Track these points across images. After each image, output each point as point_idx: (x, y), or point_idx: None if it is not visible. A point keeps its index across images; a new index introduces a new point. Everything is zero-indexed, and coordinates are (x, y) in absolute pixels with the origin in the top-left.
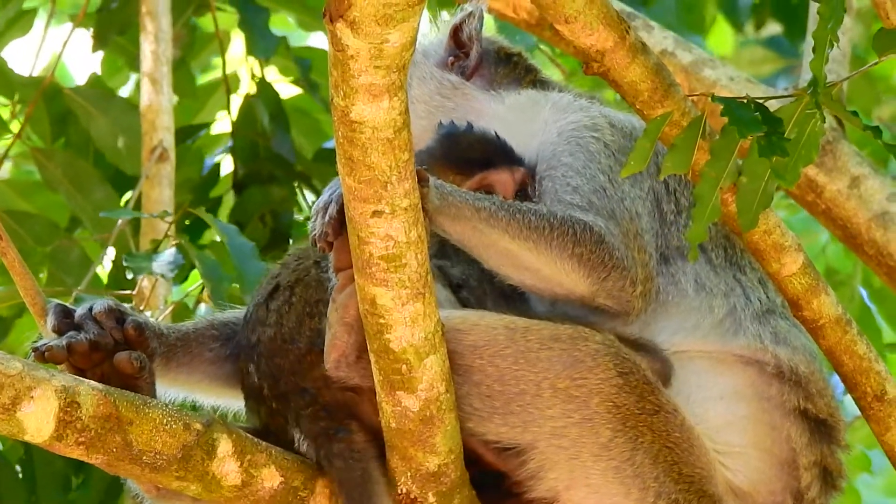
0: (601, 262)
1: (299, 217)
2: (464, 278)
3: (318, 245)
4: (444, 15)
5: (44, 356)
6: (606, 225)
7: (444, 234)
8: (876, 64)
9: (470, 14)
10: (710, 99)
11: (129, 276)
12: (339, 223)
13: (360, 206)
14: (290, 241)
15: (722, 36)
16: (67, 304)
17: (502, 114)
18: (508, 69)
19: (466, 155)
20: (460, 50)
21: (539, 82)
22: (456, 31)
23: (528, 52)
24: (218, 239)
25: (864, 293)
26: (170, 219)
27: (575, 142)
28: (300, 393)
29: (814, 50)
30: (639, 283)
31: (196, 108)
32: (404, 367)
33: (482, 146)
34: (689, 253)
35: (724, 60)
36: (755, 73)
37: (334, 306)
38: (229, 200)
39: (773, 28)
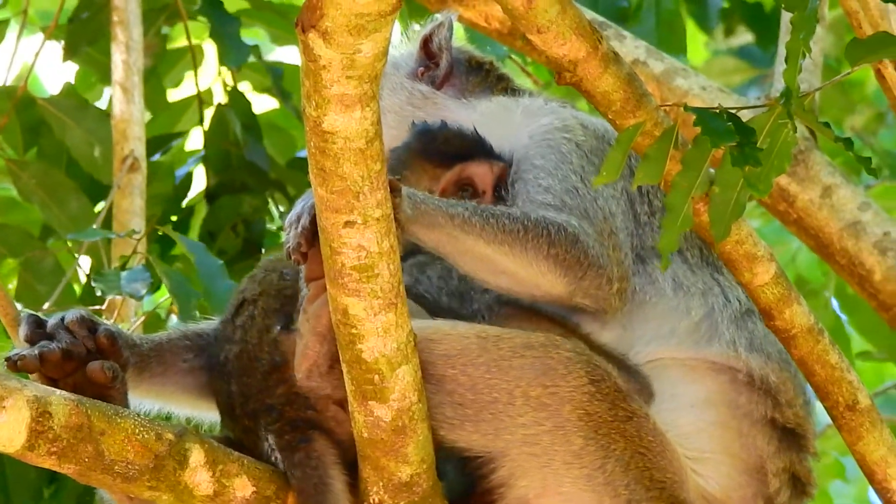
0: (577, 261)
1: (271, 226)
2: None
3: (293, 257)
4: (416, 26)
5: (16, 365)
6: (580, 224)
7: (420, 243)
8: (849, 74)
9: (440, 24)
10: (682, 109)
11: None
12: (312, 234)
13: (332, 217)
14: (262, 251)
15: (694, 46)
16: (40, 315)
17: (474, 121)
18: (480, 78)
19: (444, 149)
20: (431, 60)
21: (510, 90)
22: (426, 42)
23: (500, 62)
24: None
25: (835, 303)
26: (138, 236)
27: (546, 144)
28: (267, 410)
29: (786, 60)
30: (615, 280)
31: (169, 122)
32: (376, 377)
33: (459, 140)
34: (661, 261)
35: (696, 70)
36: (726, 83)
37: (306, 316)
38: (202, 210)
39: (744, 38)
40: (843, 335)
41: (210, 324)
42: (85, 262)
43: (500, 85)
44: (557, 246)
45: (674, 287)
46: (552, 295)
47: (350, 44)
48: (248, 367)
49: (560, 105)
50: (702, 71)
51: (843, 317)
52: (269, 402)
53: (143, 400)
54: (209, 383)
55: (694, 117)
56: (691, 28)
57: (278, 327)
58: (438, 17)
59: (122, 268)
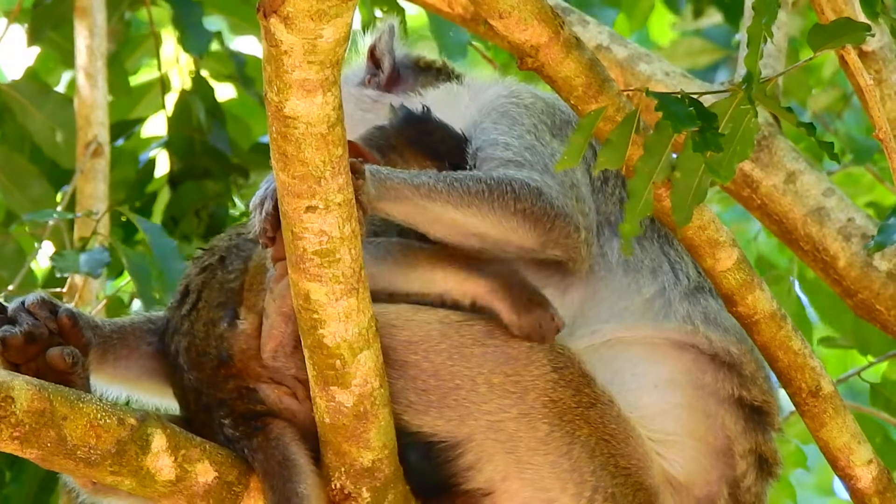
0: (544, 212)
1: (234, 212)
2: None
3: (260, 241)
4: (366, 39)
5: None
6: (542, 178)
7: (389, 217)
8: (811, 59)
9: (382, 32)
10: (644, 94)
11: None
12: (276, 218)
13: (293, 202)
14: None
15: (661, 27)
16: (0, 300)
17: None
18: (430, 76)
19: (438, 147)
20: (378, 68)
21: (458, 77)
22: (372, 51)
23: (461, 49)
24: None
25: (796, 285)
26: (97, 217)
27: (496, 111)
28: (219, 404)
29: (748, 45)
30: (582, 228)
31: (131, 106)
32: (338, 362)
33: (451, 140)
34: (610, 232)
35: (662, 51)
36: (693, 65)
37: (272, 296)
38: (165, 195)
39: (711, 19)
40: (805, 321)
41: None
42: (48, 248)
43: (448, 76)
44: (523, 200)
45: (622, 264)
46: (524, 249)
47: (311, 29)
48: (196, 361)
49: (506, 78)
50: (668, 52)
51: (805, 299)
52: (220, 396)
53: (110, 386)
54: (166, 376)
55: (656, 102)
56: (659, 9)
57: (225, 323)
58: (381, 25)
59: (82, 249)
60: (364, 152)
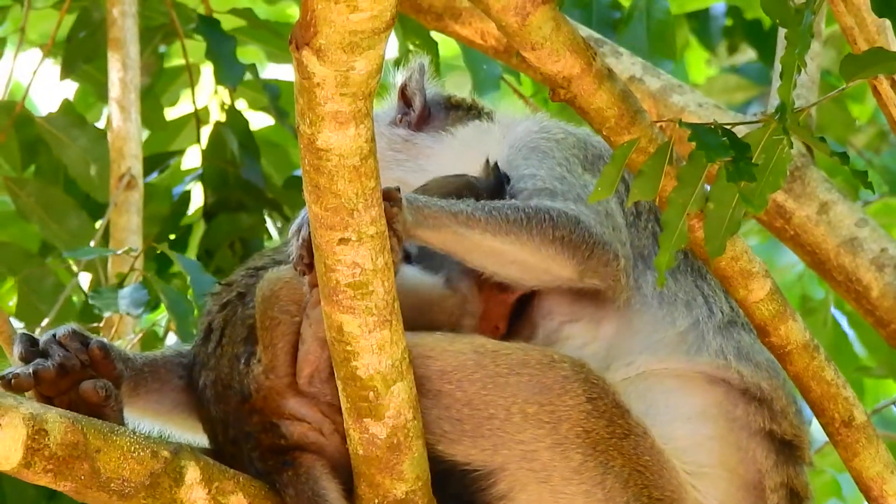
0: (582, 240)
1: (269, 244)
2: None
3: (297, 269)
4: (397, 77)
5: (10, 384)
6: (577, 207)
7: (426, 245)
8: (843, 90)
9: (412, 71)
10: (677, 125)
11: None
12: (312, 244)
13: (326, 234)
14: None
15: (696, 64)
16: (32, 335)
17: (456, 147)
18: (461, 113)
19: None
20: (409, 107)
21: (487, 114)
22: (403, 90)
23: (494, 83)
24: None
25: (842, 319)
26: (135, 254)
27: (527, 147)
28: (245, 437)
29: (781, 75)
30: (621, 256)
31: (167, 140)
32: (371, 394)
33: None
34: (644, 266)
35: (698, 89)
36: (728, 101)
37: (308, 322)
38: (199, 228)
39: (747, 55)
40: (850, 350)
41: None
42: (84, 279)
43: (478, 114)
44: (561, 228)
45: (657, 296)
46: (562, 278)
47: (344, 61)
48: (222, 395)
49: (537, 114)
50: (704, 89)
51: (850, 333)
52: (246, 429)
53: (142, 419)
54: (195, 409)
55: (689, 133)
56: (694, 46)
57: (244, 359)
58: (412, 64)
59: (120, 285)
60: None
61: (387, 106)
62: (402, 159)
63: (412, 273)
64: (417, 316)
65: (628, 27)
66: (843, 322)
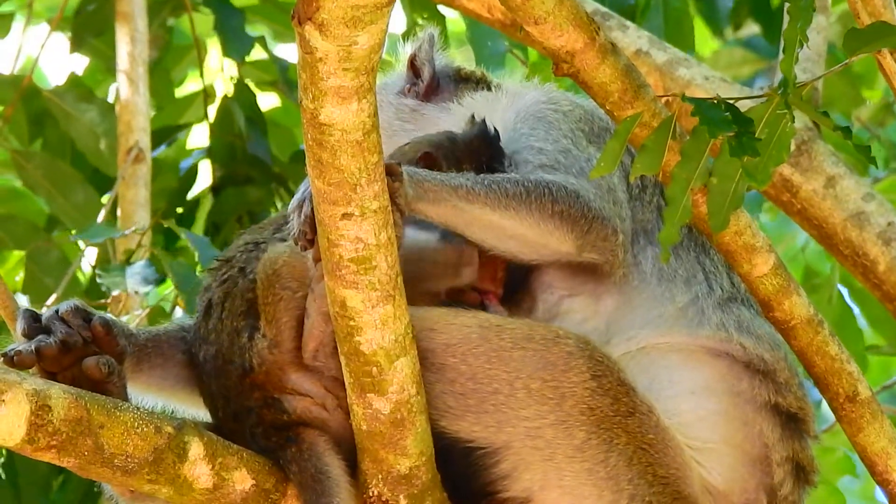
0: (581, 215)
1: None
2: None
3: (299, 244)
4: (406, 48)
5: (13, 361)
6: (578, 181)
7: (426, 219)
8: (846, 64)
9: (422, 41)
10: (681, 99)
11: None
12: (314, 220)
13: (329, 209)
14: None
15: (702, 37)
16: (35, 310)
17: (463, 117)
18: (469, 85)
19: (491, 161)
20: (418, 77)
21: (497, 86)
22: (412, 61)
23: (499, 59)
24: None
25: (845, 292)
26: (142, 231)
27: (533, 116)
28: (247, 412)
29: (783, 50)
30: (619, 231)
31: (176, 114)
32: (375, 369)
33: (501, 157)
34: (646, 241)
35: (704, 62)
36: (734, 75)
37: (313, 296)
38: (207, 202)
39: (753, 28)
40: (855, 327)
41: None
42: (90, 254)
43: (488, 86)
44: (561, 203)
45: (657, 273)
46: (561, 252)
47: (346, 36)
48: (223, 369)
49: (545, 84)
50: (710, 62)
51: (854, 307)
52: (247, 404)
53: (146, 395)
54: (196, 383)
55: (692, 108)
56: (700, 20)
57: (246, 334)
58: (422, 34)
59: (127, 262)
60: (438, 163)
61: (396, 76)
62: (410, 129)
63: (407, 230)
64: (416, 270)
65: (645, 17)
66: (848, 297)
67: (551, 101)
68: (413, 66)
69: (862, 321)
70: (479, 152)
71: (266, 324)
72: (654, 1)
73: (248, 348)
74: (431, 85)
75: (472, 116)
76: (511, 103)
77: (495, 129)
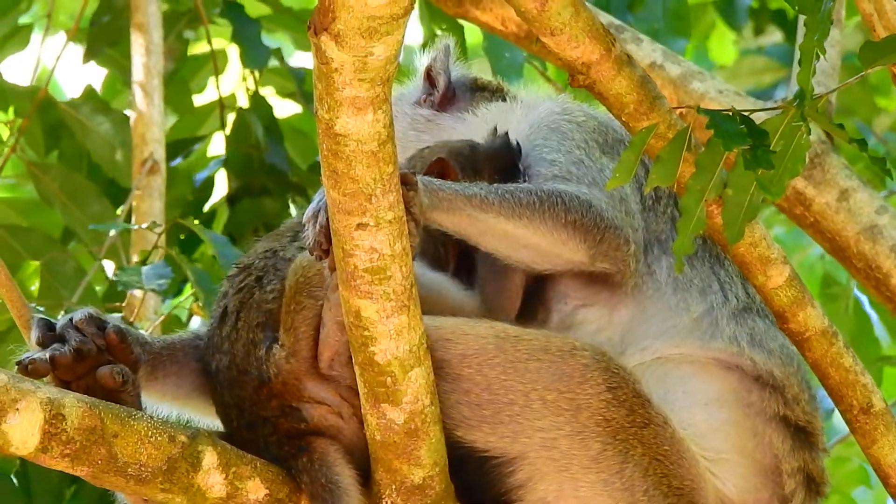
0: (594, 224)
1: None
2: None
3: (314, 254)
4: (423, 58)
5: (27, 369)
6: (590, 191)
7: (441, 228)
8: (862, 76)
9: (438, 52)
10: (696, 111)
11: (121, 288)
12: (329, 230)
13: (344, 219)
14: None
15: (722, 45)
16: (49, 319)
17: (478, 127)
18: (485, 95)
19: (511, 177)
20: (434, 88)
21: (513, 97)
22: (429, 71)
23: (516, 70)
24: (209, 253)
25: (864, 301)
26: (159, 230)
27: (546, 127)
28: (262, 422)
29: (800, 62)
30: (632, 241)
31: (193, 126)
32: (389, 379)
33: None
34: (660, 251)
35: (725, 70)
36: (755, 83)
37: (328, 305)
38: (223, 214)
39: (774, 37)
40: (871, 336)
41: None
42: (106, 266)
43: (503, 96)
44: (574, 212)
45: (671, 282)
46: (574, 261)
47: (362, 46)
48: (238, 379)
49: (560, 95)
50: (731, 70)
51: (873, 314)
52: (263, 414)
53: (161, 403)
54: (208, 392)
55: (707, 120)
56: (720, 27)
57: (265, 345)
58: (438, 45)
59: (143, 263)
60: (450, 169)
61: (412, 86)
62: (425, 139)
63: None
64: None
65: (645, 5)
66: (867, 306)
67: (565, 111)
68: (429, 76)
69: (880, 331)
70: (500, 165)
71: (285, 332)
72: None
73: (265, 360)
74: (447, 95)
75: (495, 129)
76: (526, 114)
77: (518, 143)
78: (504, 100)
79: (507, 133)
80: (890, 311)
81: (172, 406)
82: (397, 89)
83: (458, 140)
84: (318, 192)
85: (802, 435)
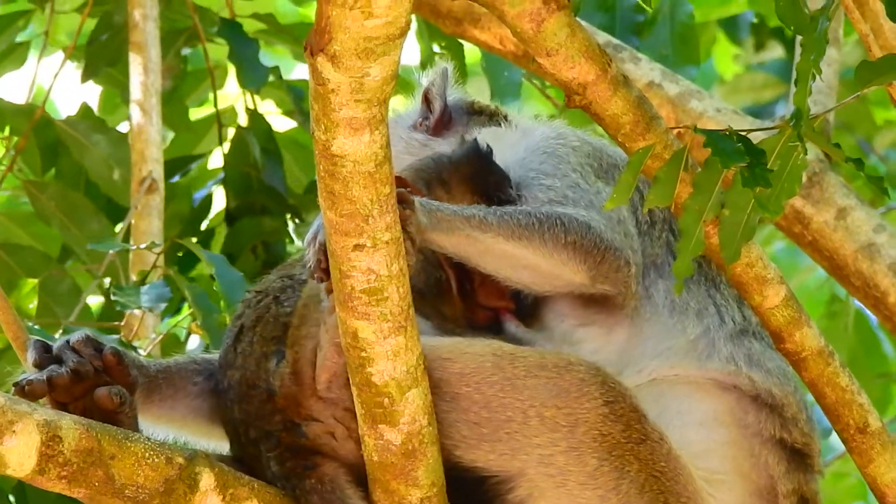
0: (594, 245)
1: (291, 249)
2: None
3: (315, 275)
4: (422, 80)
5: (24, 391)
6: (588, 213)
7: (440, 249)
8: (857, 96)
9: (435, 76)
10: (693, 131)
11: (119, 308)
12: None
13: (341, 240)
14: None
15: (724, 60)
16: (46, 340)
17: None
18: (482, 119)
19: (488, 186)
20: (431, 111)
21: (507, 120)
22: (426, 95)
23: (514, 89)
24: (207, 272)
25: (872, 317)
26: (158, 249)
27: (542, 151)
28: (266, 436)
29: (796, 82)
30: (632, 263)
31: (191, 142)
32: (386, 400)
33: (502, 182)
34: (657, 275)
35: (725, 86)
36: (756, 99)
37: (325, 327)
38: (221, 232)
39: (775, 52)
40: (879, 352)
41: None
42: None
43: (500, 120)
44: (573, 233)
45: (668, 305)
46: (574, 283)
47: (359, 67)
48: (247, 393)
49: (555, 121)
50: (732, 86)
51: (880, 333)
52: (267, 428)
53: (156, 426)
54: (217, 409)
55: (704, 139)
56: (722, 42)
57: (276, 358)
58: (436, 68)
59: (142, 282)
60: (412, 189)
61: (411, 110)
62: None
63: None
64: None
65: (651, 31)
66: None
67: (560, 136)
68: (428, 100)
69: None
70: (474, 173)
71: (289, 348)
72: (662, 17)
73: (273, 373)
74: (442, 119)
75: (463, 137)
76: (521, 138)
77: (488, 145)
78: (499, 124)
79: (475, 139)
80: (889, 330)
81: (168, 429)
82: (395, 111)
83: (422, 158)
84: (318, 216)
85: (798, 457)
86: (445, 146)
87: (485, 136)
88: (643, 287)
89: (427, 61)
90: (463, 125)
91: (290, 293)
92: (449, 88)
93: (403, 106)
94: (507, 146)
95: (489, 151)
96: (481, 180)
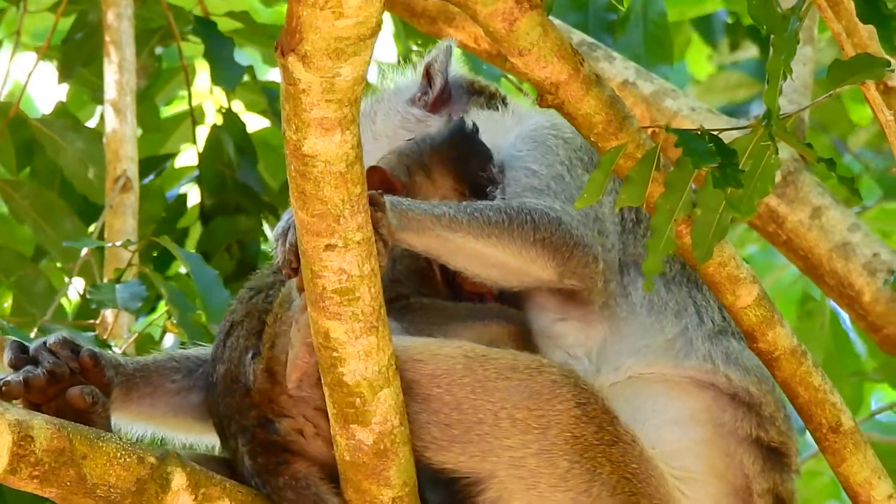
0: (563, 242)
1: (266, 247)
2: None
3: (284, 272)
4: (425, 58)
5: (0, 391)
6: (563, 207)
7: (410, 248)
8: (830, 96)
9: (439, 51)
10: (665, 130)
11: (94, 306)
12: (299, 249)
13: (313, 240)
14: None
15: (698, 60)
16: (22, 341)
17: None
18: (481, 100)
19: (471, 168)
20: (431, 87)
21: (505, 104)
22: (428, 69)
23: (496, 81)
24: (183, 270)
25: (844, 316)
26: (133, 247)
27: (532, 139)
28: (243, 431)
29: (767, 82)
30: (600, 260)
31: (161, 140)
32: (358, 400)
33: (486, 162)
34: (636, 272)
35: (700, 85)
36: (730, 99)
37: (297, 326)
38: (196, 231)
39: (749, 52)
40: (851, 351)
41: (197, 350)
42: (78, 284)
43: (499, 103)
44: (542, 230)
45: (646, 304)
46: (542, 280)
47: (329, 67)
48: (230, 387)
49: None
50: (706, 86)
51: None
52: (244, 423)
53: (135, 423)
54: (201, 399)
55: (676, 139)
56: (696, 42)
57: (252, 353)
58: (441, 44)
59: (117, 281)
60: (391, 179)
61: (411, 83)
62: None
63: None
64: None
65: (625, 31)
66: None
67: (554, 126)
68: (429, 75)
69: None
70: (456, 156)
71: (263, 346)
72: (634, 16)
73: (249, 368)
74: (441, 96)
75: (449, 116)
76: (515, 124)
77: (474, 123)
78: (497, 108)
79: (461, 118)
80: (863, 329)
81: (147, 427)
82: (395, 82)
83: (405, 142)
84: (287, 211)
85: (775, 456)
86: (440, 124)
87: (479, 117)
88: (621, 286)
89: (404, 60)
90: (462, 104)
91: (277, 289)
92: (451, 65)
93: (404, 77)
94: (500, 130)
95: (475, 130)
96: (463, 163)
